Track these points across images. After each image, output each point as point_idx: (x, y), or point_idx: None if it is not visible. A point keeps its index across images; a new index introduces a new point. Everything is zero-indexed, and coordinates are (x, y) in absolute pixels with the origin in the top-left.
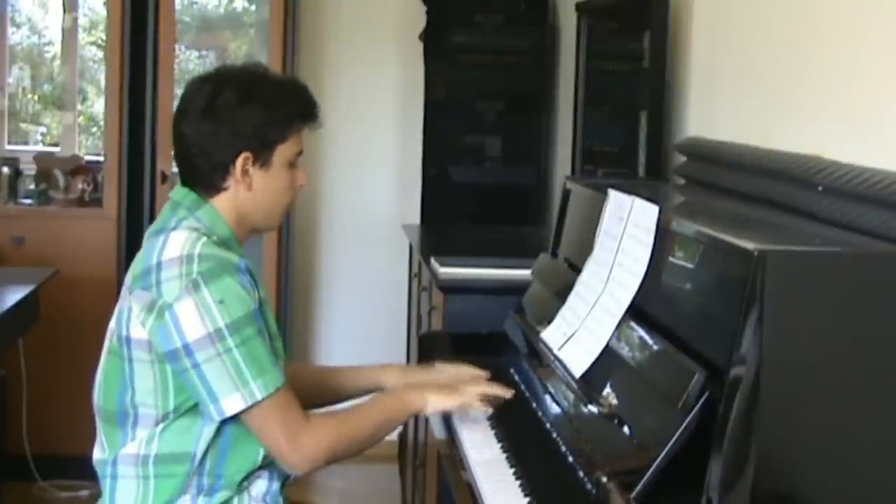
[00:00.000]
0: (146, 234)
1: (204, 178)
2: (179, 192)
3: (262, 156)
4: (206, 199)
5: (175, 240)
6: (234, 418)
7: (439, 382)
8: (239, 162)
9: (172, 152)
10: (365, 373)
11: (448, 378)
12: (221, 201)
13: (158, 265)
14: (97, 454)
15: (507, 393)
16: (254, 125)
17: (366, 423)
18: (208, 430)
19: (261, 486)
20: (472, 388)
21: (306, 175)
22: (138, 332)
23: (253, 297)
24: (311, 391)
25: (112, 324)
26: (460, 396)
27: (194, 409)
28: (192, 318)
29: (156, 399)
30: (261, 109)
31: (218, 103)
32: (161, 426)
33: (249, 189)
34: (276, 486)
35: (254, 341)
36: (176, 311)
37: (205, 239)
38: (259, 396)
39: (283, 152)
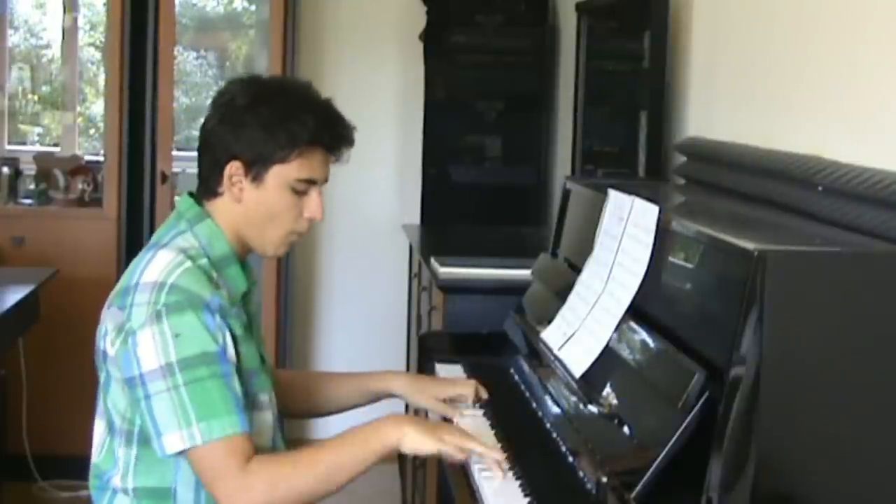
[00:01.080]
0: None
1: (204, 177)
2: (185, 203)
3: (253, 169)
4: (207, 213)
5: (159, 260)
6: None
7: (426, 420)
8: (228, 168)
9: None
10: (372, 378)
11: (450, 391)
12: (219, 212)
13: (136, 286)
14: (96, 457)
15: (498, 456)
16: (250, 135)
17: (316, 470)
18: (187, 465)
19: None
20: (459, 441)
21: (320, 208)
22: (110, 349)
23: (216, 338)
24: (304, 400)
25: None
26: (441, 444)
27: None
28: (149, 349)
29: (124, 414)
30: (263, 122)
31: (231, 104)
32: (133, 455)
33: (239, 201)
34: None
35: (207, 383)
36: (137, 338)
37: (188, 264)
38: (199, 441)
39: (281, 173)
